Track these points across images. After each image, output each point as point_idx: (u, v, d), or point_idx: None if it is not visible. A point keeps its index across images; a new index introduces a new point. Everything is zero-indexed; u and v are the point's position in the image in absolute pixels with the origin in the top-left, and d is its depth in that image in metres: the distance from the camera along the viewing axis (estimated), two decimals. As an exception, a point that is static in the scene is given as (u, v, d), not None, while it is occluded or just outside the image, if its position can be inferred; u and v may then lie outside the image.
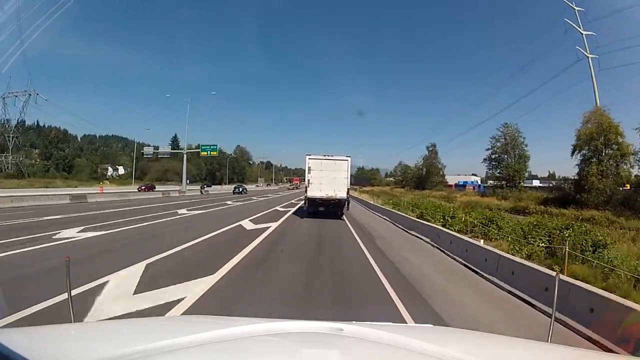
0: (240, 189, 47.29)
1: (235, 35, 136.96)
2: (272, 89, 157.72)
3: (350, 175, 17.94)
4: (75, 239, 9.76)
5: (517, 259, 6.88)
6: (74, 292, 4.15)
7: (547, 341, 1.93)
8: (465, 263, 8.24)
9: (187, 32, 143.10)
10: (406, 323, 4.36)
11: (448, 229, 12.17)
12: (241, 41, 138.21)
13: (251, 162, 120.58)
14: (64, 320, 3.39)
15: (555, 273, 2.89)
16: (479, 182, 74.40)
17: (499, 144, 52.92)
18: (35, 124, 75.54)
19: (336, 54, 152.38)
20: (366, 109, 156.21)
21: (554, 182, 53.89)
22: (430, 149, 73.61)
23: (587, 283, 5.14)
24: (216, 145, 51.44)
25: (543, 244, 10.07)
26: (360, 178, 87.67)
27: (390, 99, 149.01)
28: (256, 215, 18.06)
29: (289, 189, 78.11)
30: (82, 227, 11.67)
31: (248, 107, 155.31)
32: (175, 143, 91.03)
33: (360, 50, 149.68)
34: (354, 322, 1.60)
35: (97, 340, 1.35)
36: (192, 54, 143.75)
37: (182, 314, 4.39)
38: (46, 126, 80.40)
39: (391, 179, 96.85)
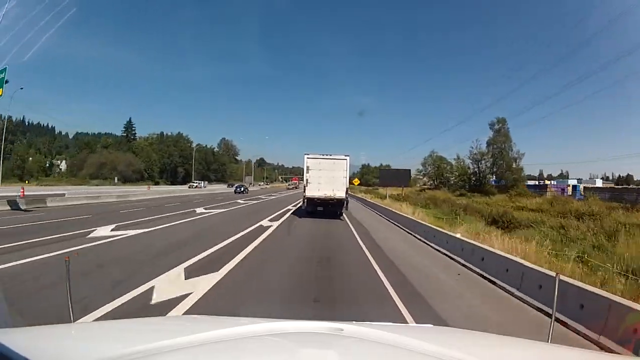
0: (242, 189, 47.52)
1: (237, 36, 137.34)
2: (274, 88, 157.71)
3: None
4: None
5: None
6: None
7: (547, 341, 1.92)
8: None
9: (189, 32, 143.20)
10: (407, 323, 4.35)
11: None
12: (243, 41, 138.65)
13: (238, 159, 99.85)
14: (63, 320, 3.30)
15: (555, 273, 2.90)
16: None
17: None
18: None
19: (338, 54, 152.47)
20: (368, 108, 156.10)
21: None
22: (497, 127, 44.50)
23: None
24: (4, 69, 16.26)
25: None
26: (391, 174, 43.95)
27: (392, 99, 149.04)
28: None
29: (288, 188, 66.93)
30: None
31: (249, 107, 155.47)
32: (129, 129, 76.54)
33: (362, 51, 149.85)
34: (354, 322, 1.60)
35: (97, 340, 1.35)
36: (194, 54, 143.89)
37: (182, 314, 4.37)
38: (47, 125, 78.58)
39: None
